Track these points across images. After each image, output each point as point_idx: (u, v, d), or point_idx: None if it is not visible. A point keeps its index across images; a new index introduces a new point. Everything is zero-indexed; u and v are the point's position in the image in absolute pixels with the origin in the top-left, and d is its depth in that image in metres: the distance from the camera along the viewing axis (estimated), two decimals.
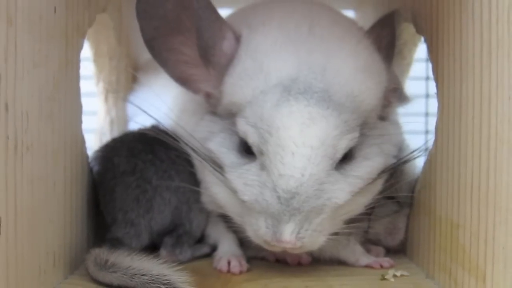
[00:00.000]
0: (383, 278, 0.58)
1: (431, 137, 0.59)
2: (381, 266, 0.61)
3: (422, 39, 0.62)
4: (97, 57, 0.82)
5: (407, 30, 0.74)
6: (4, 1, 0.42)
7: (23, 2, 0.46)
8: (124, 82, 0.85)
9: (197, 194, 0.63)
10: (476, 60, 0.48)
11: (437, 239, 0.56)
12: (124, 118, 0.85)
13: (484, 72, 0.46)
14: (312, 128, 0.52)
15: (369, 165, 0.56)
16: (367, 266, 0.62)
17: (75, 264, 0.59)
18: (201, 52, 0.59)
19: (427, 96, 0.98)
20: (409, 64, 0.81)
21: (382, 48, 0.62)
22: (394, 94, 0.61)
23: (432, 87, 0.59)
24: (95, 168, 0.65)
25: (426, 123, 1.02)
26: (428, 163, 0.60)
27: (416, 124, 0.99)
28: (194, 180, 0.63)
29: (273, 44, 0.57)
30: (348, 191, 0.54)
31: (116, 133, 0.82)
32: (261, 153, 0.54)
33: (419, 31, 0.63)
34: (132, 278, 0.52)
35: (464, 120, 0.50)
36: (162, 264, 0.54)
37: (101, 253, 0.55)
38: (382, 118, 0.61)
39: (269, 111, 0.53)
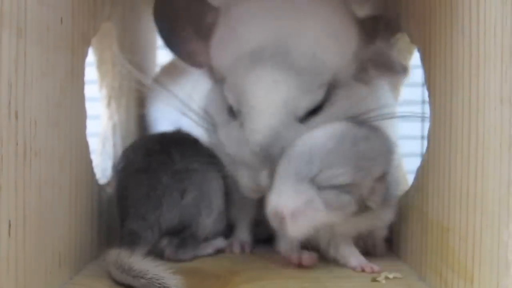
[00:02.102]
0: (374, 280, 0.59)
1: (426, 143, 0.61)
2: (372, 271, 0.61)
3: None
4: (100, 64, 0.84)
5: (402, 39, 0.76)
6: (15, 14, 0.44)
7: (32, 14, 0.48)
8: (127, 88, 0.86)
9: (208, 199, 0.66)
10: (465, 71, 0.50)
11: (429, 242, 0.58)
12: (126, 123, 0.87)
13: (473, 83, 0.48)
14: (275, 90, 0.60)
15: (330, 121, 0.61)
16: (358, 268, 0.62)
17: (80, 265, 0.61)
18: (194, 27, 0.67)
19: (423, 102, 1.00)
20: None
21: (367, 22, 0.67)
22: (372, 61, 0.65)
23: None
24: (119, 165, 0.69)
25: (422, 128, 1.03)
26: (421, 168, 0.62)
27: (412, 129, 1.02)
28: (208, 187, 0.66)
29: (246, 12, 0.65)
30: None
31: (118, 138, 0.83)
32: (239, 112, 0.61)
33: (413, 41, 0.65)
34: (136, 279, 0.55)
35: (454, 127, 0.52)
36: (158, 266, 0.56)
37: (121, 254, 0.57)
38: (361, 80, 0.66)
39: (241, 77, 0.61)
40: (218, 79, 0.66)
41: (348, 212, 0.58)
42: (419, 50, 0.63)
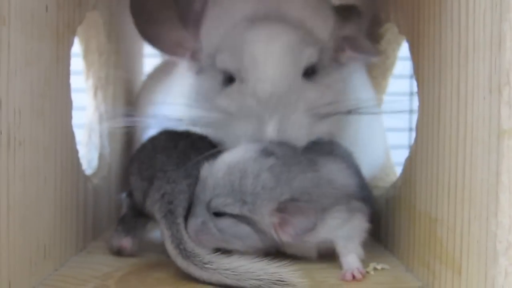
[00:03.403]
0: None
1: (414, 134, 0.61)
2: (354, 277, 0.57)
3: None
4: (86, 54, 0.83)
5: (391, 29, 0.76)
6: None
7: (16, 1, 0.47)
8: (113, 78, 0.86)
9: None
10: (454, 62, 0.49)
11: (417, 233, 0.58)
12: (113, 114, 0.86)
13: (461, 73, 0.48)
14: (277, 40, 0.62)
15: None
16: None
17: (65, 257, 0.60)
18: (180, 16, 0.68)
19: (411, 93, 1.00)
20: (392, 63, 0.82)
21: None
22: (347, 41, 0.68)
23: (416, 85, 0.61)
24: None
25: (410, 120, 1.04)
26: (409, 160, 0.62)
27: (400, 121, 1.02)
28: None
29: None
30: (315, 88, 0.63)
31: (105, 129, 0.83)
32: (239, 71, 0.62)
33: (401, 31, 0.65)
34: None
35: (442, 119, 0.52)
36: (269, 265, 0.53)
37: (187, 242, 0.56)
38: (337, 62, 0.68)
39: (240, 36, 0.63)
40: (204, 64, 0.67)
41: (253, 244, 0.58)
42: (407, 41, 0.63)
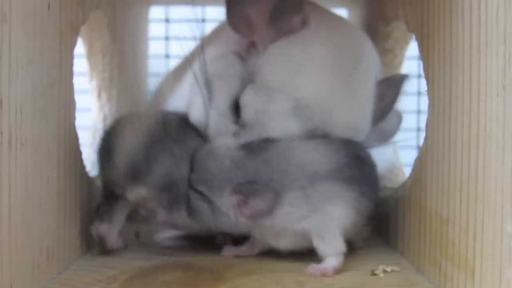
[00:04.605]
0: (373, 274, 0.58)
1: (423, 134, 0.60)
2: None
3: (414, 37, 0.63)
4: (90, 54, 0.83)
5: (398, 28, 0.75)
6: None
7: None
8: (117, 79, 0.85)
9: None
10: (466, 58, 0.48)
11: (427, 234, 0.57)
12: (117, 115, 0.85)
13: (474, 70, 0.47)
14: None
15: None
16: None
17: (69, 259, 0.59)
18: (274, 11, 0.62)
19: (419, 93, 0.99)
20: (400, 62, 0.82)
21: None
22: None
23: (424, 85, 0.60)
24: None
25: (418, 120, 1.03)
26: (419, 159, 0.61)
27: (408, 121, 1.01)
28: None
29: None
30: None
31: None
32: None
33: (410, 29, 0.64)
34: None
35: (454, 117, 0.51)
36: None
37: None
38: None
39: None
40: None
41: (207, 221, 0.60)
42: (416, 39, 0.61)
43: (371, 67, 0.66)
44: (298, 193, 0.58)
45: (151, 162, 0.61)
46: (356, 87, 0.63)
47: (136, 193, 0.62)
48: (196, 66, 0.65)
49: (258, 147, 0.60)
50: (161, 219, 0.62)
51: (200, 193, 0.60)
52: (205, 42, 0.72)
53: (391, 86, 0.68)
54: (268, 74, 0.61)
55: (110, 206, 0.64)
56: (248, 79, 0.63)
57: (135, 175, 0.61)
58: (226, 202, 0.59)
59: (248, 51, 0.65)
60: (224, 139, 0.62)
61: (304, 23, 0.63)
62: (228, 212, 0.59)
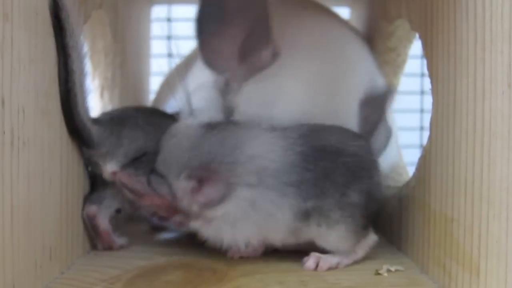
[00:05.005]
0: (377, 273, 0.58)
1: (426, 133, 0.60)
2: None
3: (417, 35, 0.63)
4: (92, 54, 0.82)
5: (402, 26, 0.74)
6: None
7: None
8: (120, 78, 0.85)
9: None
10: (470, 56, 0.48)
11: (432, 233, 0.57)
12: None
13: (478, 68, 0.47)
14: None
15: None
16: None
17: (72, 259, 0.59)
18: (243, 47, 0.61)
19: (422, 92, 0.99)
20: (404, 61, 0.81)
21: None
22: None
23: (427, 84, 0.60)
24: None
25: (421, 119, 1.02)
26: (423, 158, 0.60)
27: (411, 120, 1.01)
28: None
29: None
30: None
31: None
32: None
33: (414, 27, 0.63)
34: None
35: (458, 115, 0.51)
36: None
37: None
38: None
39: None
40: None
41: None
42: (420, 37, 0.61)
43: (357, 79, 0.66)
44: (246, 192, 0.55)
45: (121, 138, 0.62)
46: (336, 106, 0.63)
47: (110, 169, 0.62)
48: (180, 94, 0.65)
49: (217, 126, 0.57)
50: (145, 203, 0.60)
51: (160, 175, 0.57)
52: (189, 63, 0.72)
53: (375, 107, 0.65)
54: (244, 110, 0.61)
55: (99, 191, 0.64)
56: (227, 114, 0.61)
57: (108, 152, 0.62)
58: (182, 186, 0.55)
59: (226, 84, 0.64)
60: (190, 119, 0.59)
61: (274, 55, 0.62)
62: (183, 198, 0.56)
